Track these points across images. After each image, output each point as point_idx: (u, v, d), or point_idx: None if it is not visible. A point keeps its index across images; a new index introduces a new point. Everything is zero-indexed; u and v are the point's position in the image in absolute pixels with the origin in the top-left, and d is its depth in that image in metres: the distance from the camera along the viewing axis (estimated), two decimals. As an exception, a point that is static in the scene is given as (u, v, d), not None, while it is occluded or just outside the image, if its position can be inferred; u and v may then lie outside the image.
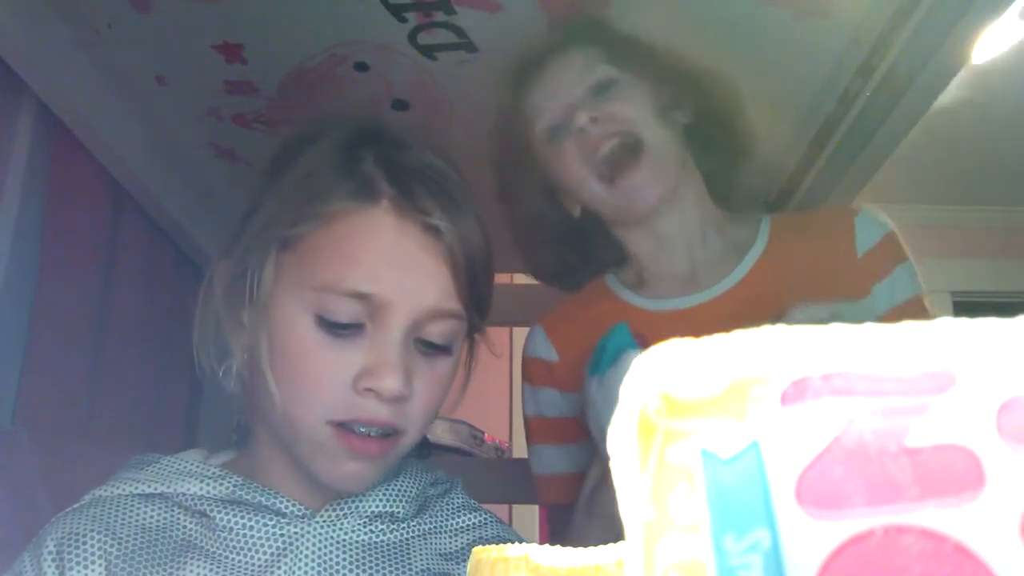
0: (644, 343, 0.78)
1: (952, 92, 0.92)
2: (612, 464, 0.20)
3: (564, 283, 1.01)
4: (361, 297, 0.58)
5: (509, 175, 0.93)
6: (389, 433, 0.59)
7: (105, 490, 0.62)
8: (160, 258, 1.14)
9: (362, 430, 0.58)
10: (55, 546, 0.57)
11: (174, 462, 0.64)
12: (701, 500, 0.19)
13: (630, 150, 0.82)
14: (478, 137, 1.07)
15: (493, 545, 0.33)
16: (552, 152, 0.87)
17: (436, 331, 0.61)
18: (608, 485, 0.72)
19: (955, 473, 0.18)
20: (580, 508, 0.79)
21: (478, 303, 0.65)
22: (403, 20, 0.86)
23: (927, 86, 0.90)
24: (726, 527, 0.18)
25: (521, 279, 1.74)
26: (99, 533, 0.58)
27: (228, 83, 0.96)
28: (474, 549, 0.34)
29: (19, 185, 0.86)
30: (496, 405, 2.47)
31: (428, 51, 0.91)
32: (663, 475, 0.19)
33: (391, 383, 0.57)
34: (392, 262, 0.59)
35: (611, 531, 0.71)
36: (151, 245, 1.11)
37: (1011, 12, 0.78)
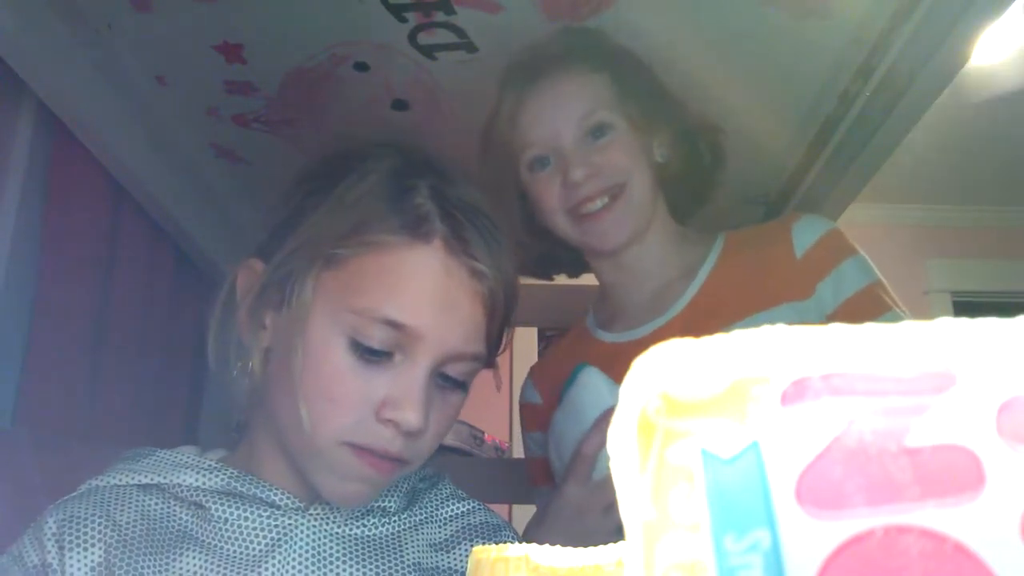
0: (612, 376, 0.79)
1: (952, 92, 0.92)
2: (612, 464, 0.20)
3: (526, 267, 1.02)
4: (397, 327, 0.58)
5: (487, 162, 0.93)
6: (395, 461, 0.60)
7: (102, 480, 0.63)
8: (160, 258, 1.14)
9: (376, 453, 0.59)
10: (56, 527, 0.58)
11: (170, 454, 0.65)
12: (701, 500, 0.19)
13: (611, 198, 0.84)
14: (478, 137, 1.07)
15: (492, 545, 0.33)
16: (531, 178, 0.87)
17: (458, 369, 0.62)
18: (546, 525, 0.74)
19: (955, 473, 0.18)
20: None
21: (498, 343, 0.66)
22: (403, 20, 0.86)
23: (927, 86, 0.90)
24: (726, 527, 0.18)
25: (520, 279, 1.74)
26: (99, 518, 0.59)
27: (228, 83, 0.96)
28: (474, 549, 0.34)
29: (19, 185, 0.86)
30: (496, 405, 2.46)
31: (428, 51, 0.91)
32: (663, 475, 0.19)
33: (412, 418, 0.58)
34: (434, 299, 0.59)
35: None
36: (151, 245, 1.11)
37: (1011, 12, 0.78)
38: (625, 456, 0.20)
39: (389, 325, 0.58)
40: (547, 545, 0.75)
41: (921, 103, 0.93)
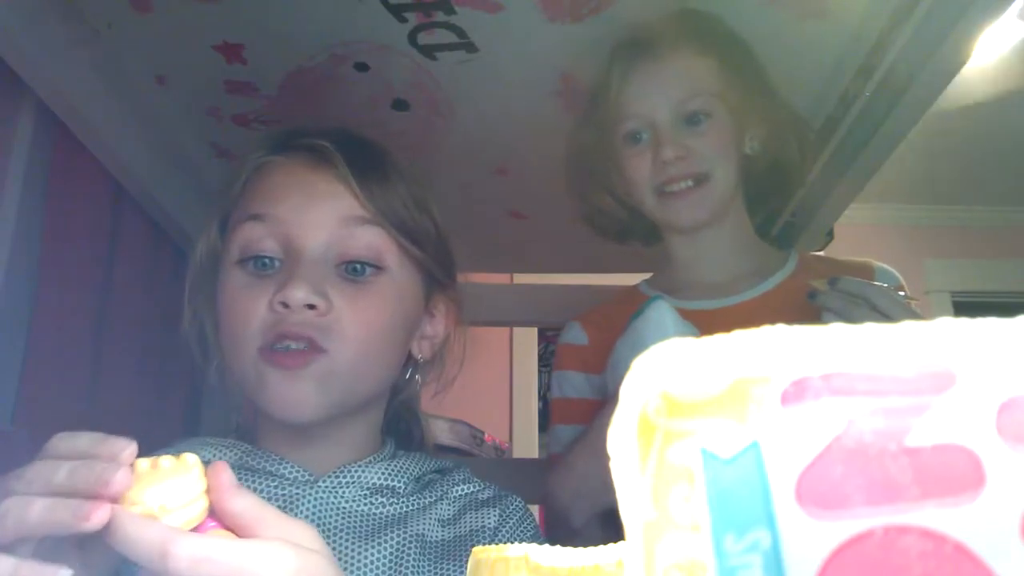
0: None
1: (952, 92, 0.92)
2: (613, 464, 0.20)
3: (605, 230, 1.05)
4: (261, 218, 0.64)
5: (586, 127, 0.95)
6: (308, 349, 0.62)
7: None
8: (160, 258, 1.14)
9: (287, 346, 0.61)
10: None
11: (199, 438, 0.67)
12: (701, 500, 0.19)
13: (695, 182, 0.87)
14: (478, 137, 1.07)
15: (492, 545, 0.33)
16: (623, 151, 0.90)
17: (357, 244, 0.65)
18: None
19: (955, 473, 0.18)
20: (579, 439, 0.83)
21: (399, 218, 0.67)
22: (403, 20, 0.86)
23: (927, 86, 0.90)
24: (726, 527, 0.18)
25: (521, 279, 1.74)
26: None
27: (228, 83, 0.96)
28: (474, 549, 0.34)
29: (19, 185, 0.86)
30: (496, 405, 2.46)
31: (428, 51, 0.91)
32: (663, 475, 0.19)
33: (294, 292, 0.60)
34: (287, 185, 0.66)
35: (598, 469, 0.74)
36: (151, 245, 1.11)
37: (1011, 12, 0.78)
38: (625, 456, 0.20)
39: (255, 220, 0.64)
40: (584, 462, 0.78)
41: (921, 103, 0.93)
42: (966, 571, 0.17)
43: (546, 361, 2.62)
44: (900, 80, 0.91)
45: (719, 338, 0.20)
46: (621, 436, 0.20)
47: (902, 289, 0.89)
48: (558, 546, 0.32)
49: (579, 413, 0.95)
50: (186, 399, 1.21)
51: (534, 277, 1.55)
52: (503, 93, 0.98)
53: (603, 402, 0.91)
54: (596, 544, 0.32)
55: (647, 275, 1.03)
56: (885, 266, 0.92)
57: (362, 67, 0.94)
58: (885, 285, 0.82)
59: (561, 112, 1.01)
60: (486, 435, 2.06)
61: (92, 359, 0.96)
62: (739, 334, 0.20)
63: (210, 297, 0.69)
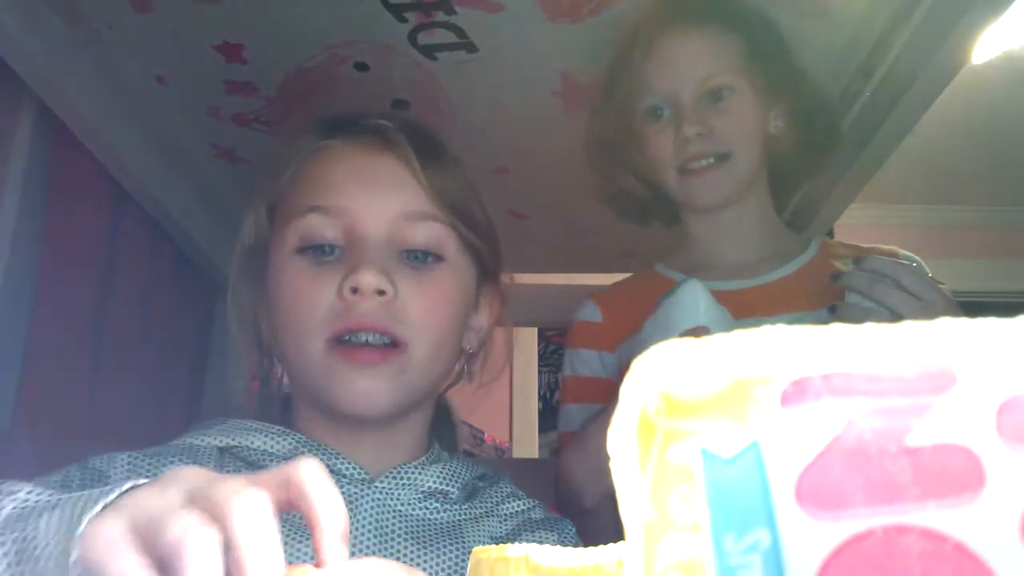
0: None
1: (952, 92, 0.92)
2: (613, 464, 0.20)
3: (627, 211, 1.03)
4: (323, 210, 0.62)
5: (607, 104, 0.94)
6: (389, 343, 0.61)
7: (180, 440, 0.62)
8: (160, 258, 1.14)
9: (361, 338, 0.60)
10: (129, 459, 0.58)
11: (239, 421, 0.64)
12: (701, 500, 0.19)
13: (716, 160, 0.85)
14: (478, 137, 1.07)
15: (493, 545, 0.33)
16: (643, 127, 0.88)
17: (418, 237, 0.63)
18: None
19: (955, 473, 0.18)
20: (586, 421, 0.82)
21: (459, 209, 0.66)
22: (403, 20, 0.86)
23: (927, 86, 0.90)
24: (726, 527, 0.18)
25: (521, 279, 1.74)
26: (185, 460, 0.59)
27: (228, 83, 0.96)
28: (474, 549, 0.34)
29: (19, 185, 0.86)
30: (496, 405, 2.46)
31: (428, 51, 0.91)
32: (663, 475, 0.19)
33: (365, 276, 0.59)
34: (350, 175, 0.64)
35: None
36: (151, 245, 1.11)
37: (1011, 12, 0.78)
38: (625, 456, 0.20)
39: (318, 212, 0.62)
40: (596, 442, 0.77)
41: (921, 103, 0.93)
42: (966, 571, 0.17)
43: (546, 361, 2.62)
44: (900, 80, 0.91)
45: (719, 338, 0.20)
46: (621, 436, 0.20)
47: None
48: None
49: (591, 392, 0.94)
50: (186, 400, 1.21)
51: (534, 277, 1.55)
52: (503, 93, 0.98)
53: (617, 382, 0.90)
54: (607, 525, 0.32)
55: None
56: (909, 254, 0.91)
57: (362, 67, 0.94)
58: (913, 264, 0.80)
59: (561, 112, 1.01)
60: (486, 435, 2.06)
61: (92, 359, 0.96)
62: (739, 334, 0.20)
63: (258, 285, 0.67)
